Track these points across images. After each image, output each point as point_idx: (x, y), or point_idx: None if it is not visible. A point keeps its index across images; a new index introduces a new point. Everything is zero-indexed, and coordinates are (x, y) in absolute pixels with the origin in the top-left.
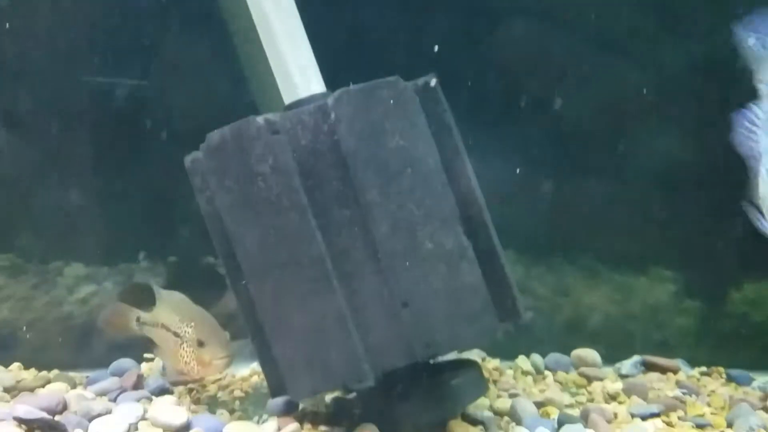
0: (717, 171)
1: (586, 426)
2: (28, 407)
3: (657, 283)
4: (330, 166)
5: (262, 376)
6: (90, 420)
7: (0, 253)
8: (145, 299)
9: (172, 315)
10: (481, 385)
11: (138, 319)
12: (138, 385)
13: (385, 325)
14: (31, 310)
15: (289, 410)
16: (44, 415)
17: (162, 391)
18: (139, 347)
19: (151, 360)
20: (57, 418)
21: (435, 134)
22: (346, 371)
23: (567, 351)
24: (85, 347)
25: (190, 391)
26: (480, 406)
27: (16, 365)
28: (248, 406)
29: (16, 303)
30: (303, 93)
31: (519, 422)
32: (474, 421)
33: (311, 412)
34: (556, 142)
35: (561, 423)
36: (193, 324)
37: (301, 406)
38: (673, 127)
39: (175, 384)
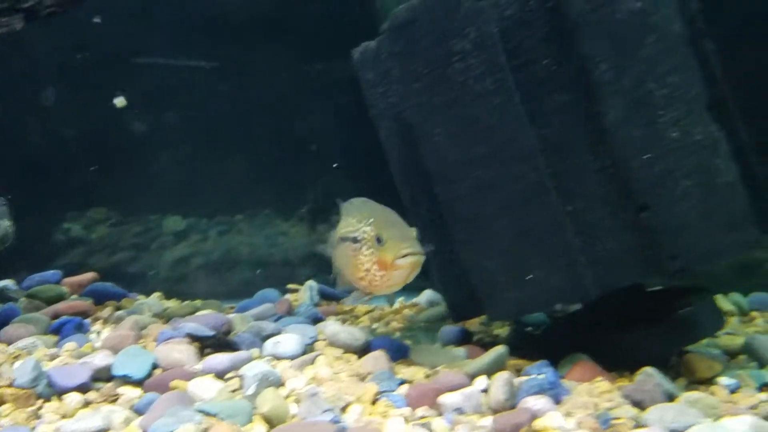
0: None
1: None
2: (196, 325)
3: None
4: (541, 41)
5: (415, 309)
6: (262, 339)
7: None
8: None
9: (348, 219)
10: (717, 317)
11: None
12: (290, 311)
13: (615, 233)
14: None
15: (463, 340)
16: (215, 332)
17: (316, 320)
18: None
19: (295, 291)
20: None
21: None
22: (563, 288)
23: None
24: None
25: (343, 321)
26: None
27: (156, 295)
28: (416, 335)
29: None
30: None
31: (764, 363)
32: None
33: (488, 342)
34: None
35: None
36: (371, 220)
37: (475, 337)
38: None
39: (327, 313)
